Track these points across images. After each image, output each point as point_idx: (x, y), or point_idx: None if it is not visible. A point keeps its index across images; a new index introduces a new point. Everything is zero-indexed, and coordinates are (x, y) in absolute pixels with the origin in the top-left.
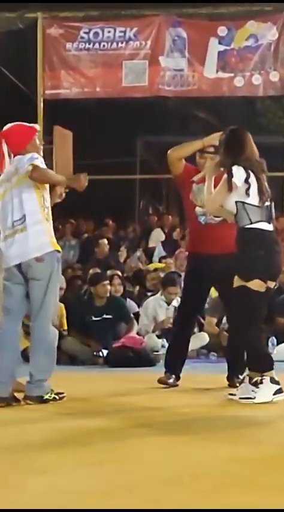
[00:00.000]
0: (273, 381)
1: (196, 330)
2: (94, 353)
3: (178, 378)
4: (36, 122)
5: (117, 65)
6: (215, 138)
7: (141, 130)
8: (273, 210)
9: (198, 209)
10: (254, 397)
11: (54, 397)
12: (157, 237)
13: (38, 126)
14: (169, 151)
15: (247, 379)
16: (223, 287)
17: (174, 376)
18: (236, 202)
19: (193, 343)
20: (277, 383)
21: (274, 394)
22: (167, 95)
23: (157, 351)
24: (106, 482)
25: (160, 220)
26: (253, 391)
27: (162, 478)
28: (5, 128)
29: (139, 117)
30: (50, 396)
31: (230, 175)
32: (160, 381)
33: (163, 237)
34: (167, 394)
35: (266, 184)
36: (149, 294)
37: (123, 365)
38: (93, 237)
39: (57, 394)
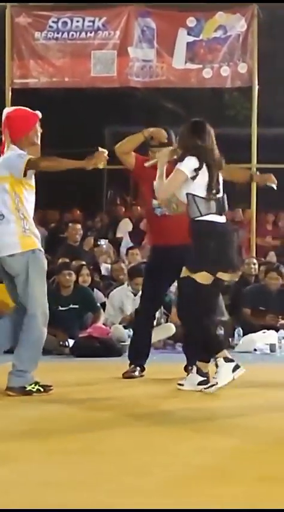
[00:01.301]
0: (227, 359)
1: (162, 320)
2: (61, 343)
3: (143, 369)
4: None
5: (85, 55)
6: (155, 131)
7: (109, 121)
8: (226, 203)
9: (154, 201)
10: (217, 383)
11: (38, 389)
12: (125, 227)
13: (39, 113)
14: (115, 148)
15: (194, 369)
16: (177, 278)
17: (138, 368)
18: (186, 194)
19: (160, 333)
20: (232, 360)
21: (233, 372)
22: (136, 85)
23: (124, 342)
24: (74, 472)
25: (127, 210)
26: (214, 377)
27: (132, 468)
28: (7, 110)
29: (107, 107)
30: (33, 388)
31: (177, 169)
32: (125, 376)
33: (130, 228)
34: (134, 384)
35: (219, 179)
36: (114, 284)
37: (89, 355)
38: (60, 225)
39: (43, 386)
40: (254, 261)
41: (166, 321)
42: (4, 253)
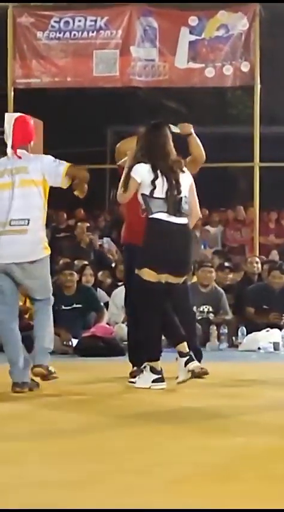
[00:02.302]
0: (154, 370)
1: None
2: (64, 343)
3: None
4: (6, 111)
5: (87, 55)
6: None
7: (111, 120)
8: (184, 205)
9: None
10: (135, 382)
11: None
12: None
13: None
14: (116, 147)
15: (148, 367)
16: None
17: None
18: (141, 194)
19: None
20: (159, 373)
21: (153, 382)
22: (138, 85)
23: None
24: (75, 472)
25: None
26: (138, 376)
27: (132, 468)
28: (16, 114)
29: (109, 107)
30: (51, 369)
31: (128, 175)
32: (133, 375)
33: None
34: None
35: (178, 181)
36: (119, 284)
37: (92, 354)
38: (62, 225)
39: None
40: (258, 259)
41: None
42: (28, 259)
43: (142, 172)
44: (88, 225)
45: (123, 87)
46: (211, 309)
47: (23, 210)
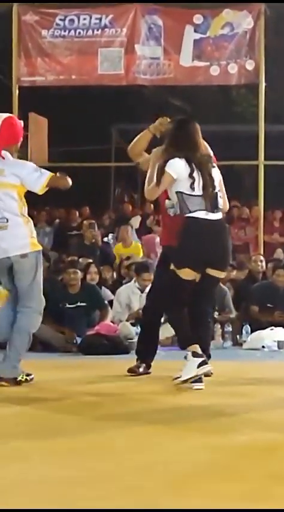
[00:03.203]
0: (196, 354)
1: None
2: (68, 340)
3: (149, 367)
4: (11, 109)
5: (92, 53)
6: (162, 124)
7: (116, 118)
8: (219, 200)
9: (167, 201)
10: (181, 376)
11: (26, 379)
12: (135, 224)
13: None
14: (128, 150)
15: (189, 356)
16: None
17: (144, 364)
18: (176, 192)
19: (169, 330)
20: (201, 355)
21: (197, 367)
22: (143, 83)
23: (132, 339)
24: (76, 471)
25: (134, 208)
26: (181, 370)
27: (134, 466)
28: (2, 115)
29: (114, 105)
30: (22, 378)
31: (162, 170)
32: (130, 371)
33: (138, 225)
34: (140, 381)
35: (211, 176)
36: (124, 281)
37: (97, 353)
38: (68, 223)
39: (26, 375)
40: (262, 258)
41: None
42: (17, 252)
43: (178, 168)
44: (93, 221)
45: (127, 85)
46: (215, 307)
47: (1, 210)
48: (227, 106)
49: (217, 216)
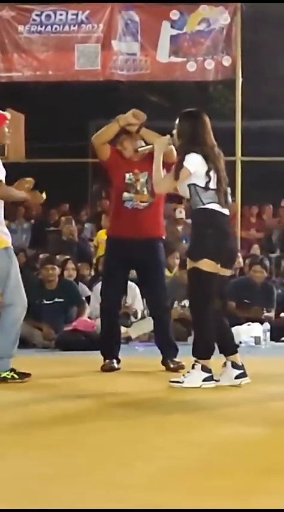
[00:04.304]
0: (205, 369)
1: (146, 313)
2: (45, 336)
3: (118, 361)
4: None
5: (69, 48)
6: (135, 116)
7: (93, 114)
8: (229, 197)
9: (125, 194)
10: (183, 382)
11: (13, 376)
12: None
13: (8, 114)
14: (92, 139)
15: (198, 366)
16: (144, 273)
17: (114, 360)
18: (188, 185)
19: (145, 326)
20: (209, 371)
21: (203, 381)
22: (119, 79)
23: None
24: (57, 466)
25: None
26: (183, 375)
27: (113, 462)
28: None
29: (91, 101)
30: (8, 375)
31: (180, 164)
32: (104, 369)
33: None
34: (118, 377)
35: (224, 172)
36: (100, 278)
37: (74, 348)
38: (46, 219)
39: (19, 374)
40: (239, 254)
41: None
42: None
43: (196, 164)
44: (70, 217)
45: (105, 81)
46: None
47: None
48: (205, 102)
49: (227, 211)
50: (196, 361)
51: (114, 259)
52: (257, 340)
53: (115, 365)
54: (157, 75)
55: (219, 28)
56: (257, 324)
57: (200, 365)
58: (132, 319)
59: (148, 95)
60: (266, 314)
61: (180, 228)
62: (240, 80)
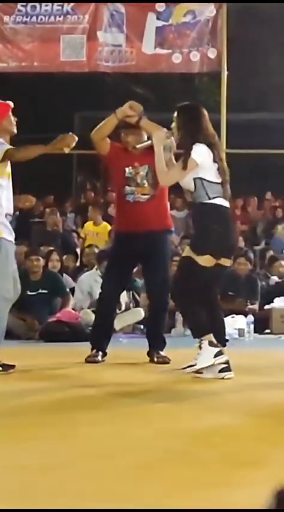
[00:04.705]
0: (212, 344)
1: (131, 305)
2: (29, 327)
3: (105, 354)
4: None
5: (54, 39)
6: (127, 109)
7: (78, 105)
8: (229, 190)
9: (126, 187)
10: (196, 364)
11: None
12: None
13: (11, 103)
14: (92, 134)
15: (205, 343)
16: (147, 265)
17: (100, 352)
18: (194, 179)
19: (129, 318)
20: (216, 345)
21: (215, 357)
22: (105, 70)
23: None
24: (39, 458)
25: (97, 195)
26: (195, 358)
27: (95, 453)
28: None
29: (77, 92)
30: None
31: (187, 154)
32: (88, 360)
33: None
34: (102, 368)
35: (224, 162)
36: (85, 269)
37: (58, 340)
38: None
39: (3, 366)
40: None
41: (135, 306)
42: None
43: (203, 154)
44: (54, 208)
45: (90, 72)
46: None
47: None
48: (191, 94)
49: (228, 204)
50: (200, 341)
51: (118, 253)
52: (241, 332)
53: (100, 358)
54: (143, 66)
55: (205, 20)
56: (241, 316)
57: (206, 341)
58: (117, 311)
59: (134, 87)
60: (250, 306)
61: None
62: (225, 72)
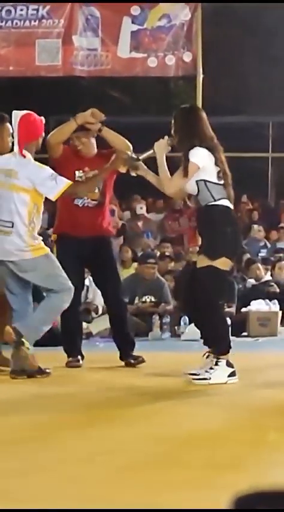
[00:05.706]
0: (229, 364)
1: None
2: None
3: (82, 356)
4: None
5: (30, 44)
6: (88, 116)
7: (54, 109)
8: (232, 192)
9: None
10: (210, 378)
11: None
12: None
13: (43, 119)
14: (48, 138)
15: (223, 362)
16: (97, 271)
17: (79, 356)
18: (197, 181)
19: (106, 322)
20: (232, 366)
21: (228, 376)
22: (80, 74)
23: None
24: (20, 461)
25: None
26: (207, 371)
27: (75, 457)
28: (20, 113)
29: (52, 96)
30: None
31: (186, 160)
32: (69, 366)
33: None
34: (80, 372)
35: (226, 165)
36: None
37: (36, 344)
38: None
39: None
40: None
41: None
42: (14, 258)
43: (203, 157)
44: None
45: (66, 76)
46: (153, 299)
47: (8, 213)
48: (166, 98)
49: (232, 206)
50: (218, 358)
51: (67, 258)
52: None
53: (80, 362)
54: (118, 70)
55: (180, 24)
56: None
57: (224, 361)
58: (93, 314)
59: (109, 91)
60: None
61: (140, 223)
62: (201, 75)
